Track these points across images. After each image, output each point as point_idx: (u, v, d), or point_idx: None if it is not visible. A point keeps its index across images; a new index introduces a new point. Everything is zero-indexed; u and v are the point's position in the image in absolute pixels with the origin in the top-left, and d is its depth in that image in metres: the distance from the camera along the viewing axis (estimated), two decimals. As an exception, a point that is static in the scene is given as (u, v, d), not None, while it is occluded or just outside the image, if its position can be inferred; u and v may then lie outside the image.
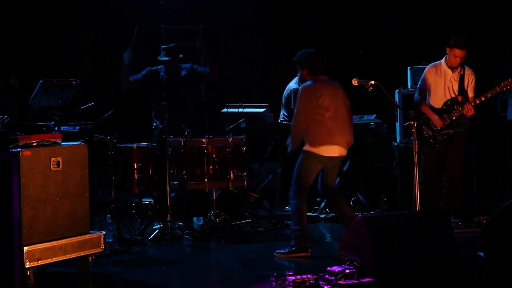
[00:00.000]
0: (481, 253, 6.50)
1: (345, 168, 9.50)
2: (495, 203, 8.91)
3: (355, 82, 7.02)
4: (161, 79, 8.73)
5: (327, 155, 7.16)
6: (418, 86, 8.06)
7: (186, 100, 8.69)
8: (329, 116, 7.11)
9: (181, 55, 8.78)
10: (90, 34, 10.32)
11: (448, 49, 7.92)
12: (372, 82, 6.93)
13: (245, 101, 9.00)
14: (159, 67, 8.82)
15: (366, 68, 10.20)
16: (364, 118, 9.51)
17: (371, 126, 9.30)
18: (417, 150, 6.94)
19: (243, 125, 8.76)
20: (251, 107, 8.92)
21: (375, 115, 9.49)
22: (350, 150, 9.51)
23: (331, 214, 9.10)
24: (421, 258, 5.92)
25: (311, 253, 7.12)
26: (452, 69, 7.94)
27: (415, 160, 6.94)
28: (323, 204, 9.25)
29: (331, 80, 7.29)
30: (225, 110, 9.27)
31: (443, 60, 8.01)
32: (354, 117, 9.53)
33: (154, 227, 8.15)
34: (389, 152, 9.29)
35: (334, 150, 7.18)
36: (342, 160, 7.40)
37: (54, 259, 6.34)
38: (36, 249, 6.17)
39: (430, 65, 8.10)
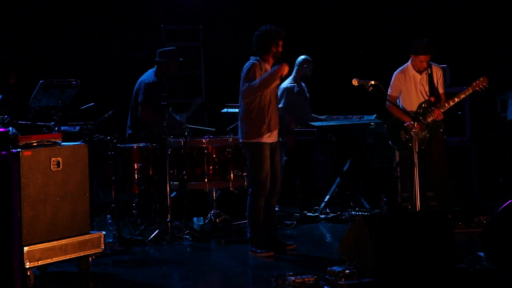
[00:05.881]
0: (481, 253, 6.50)
1: (345, 168, 9.50)
2: (495, 203, 8.89)
3: (355, 82, 7.03)
4: (159, 83, 8.64)
5: None
6: (388, 93, 8.00)
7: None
8: None
9: (181, 59, 8.76)
10: (90, 34, 10.32)
11: (412, 56, 7.95)
12: (372, 82, 6.94)
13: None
14: (150, 71, 8.72)
15: (366, 68, 10.20)
16: (364, 118, 9.51)
17: (371, 126, 9.29)
18: (417, 150, 6.95)
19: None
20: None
21: (375, 115, 9.49)
22: (351, 150, 9.58)
23: (331, 214, 9.11)
24: (421, 258, 5.93)
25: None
26: (420, 72, 7.95)
27: (415, 160, 6.94)
28: (323, 204, 9.25)
29: None
30: (225, 110, 9.26)
31: (409, 63, 8.03)
32: (355, 117, 9.58)
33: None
34: (389, 152, 9.28)
35: None
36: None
37: (54, 259, 6.33)
38: (36, 249, 6.17)
39: (397, 70, 8.11)
